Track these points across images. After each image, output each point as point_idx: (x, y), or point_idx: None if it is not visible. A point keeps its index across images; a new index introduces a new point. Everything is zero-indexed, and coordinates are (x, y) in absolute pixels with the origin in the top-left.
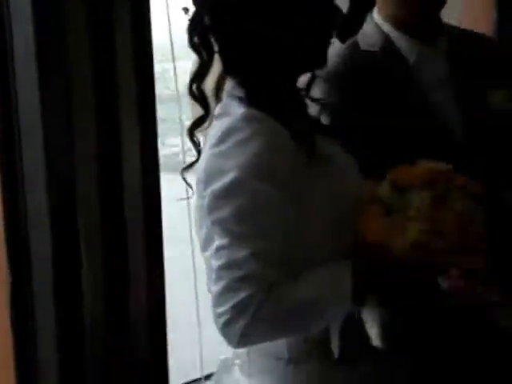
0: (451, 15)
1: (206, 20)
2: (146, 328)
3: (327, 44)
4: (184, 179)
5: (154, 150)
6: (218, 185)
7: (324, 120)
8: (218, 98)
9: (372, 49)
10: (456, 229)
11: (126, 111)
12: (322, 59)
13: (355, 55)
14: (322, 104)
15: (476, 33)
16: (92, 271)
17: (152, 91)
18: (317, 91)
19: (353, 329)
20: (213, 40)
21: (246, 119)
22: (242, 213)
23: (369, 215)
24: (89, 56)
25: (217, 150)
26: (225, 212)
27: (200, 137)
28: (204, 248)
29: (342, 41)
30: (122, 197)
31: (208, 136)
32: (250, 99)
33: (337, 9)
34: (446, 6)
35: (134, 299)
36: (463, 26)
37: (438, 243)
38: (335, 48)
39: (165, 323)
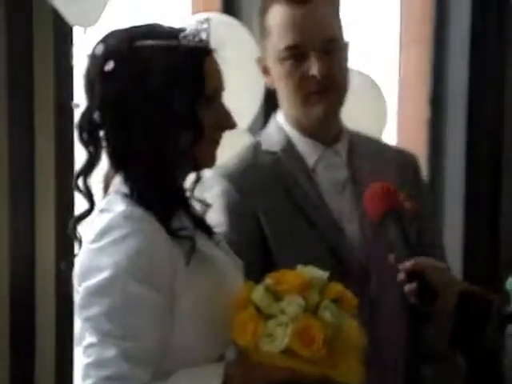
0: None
1: (95, 116)
2: None
3: (200, 145)
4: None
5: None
6: (91, 281)
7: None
8: (106, 192)
9: (273, 149)
10: (323, 340)
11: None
12: (208, 160)
13: (257, 155)
14: (206, 205)
15: (375, 139)
16: None
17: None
18: (217, 189)
19: None
20: (101, 136)
21: (126, 217)
22: (113, 312)
23: (241, 318)
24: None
25: (94, 246)
26: (96, 310)
27: None
28: (77, 343)
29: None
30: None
31: (89, 231)
32: (133, 196)
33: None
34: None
35: None
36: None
37: (306, 352)
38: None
39: None
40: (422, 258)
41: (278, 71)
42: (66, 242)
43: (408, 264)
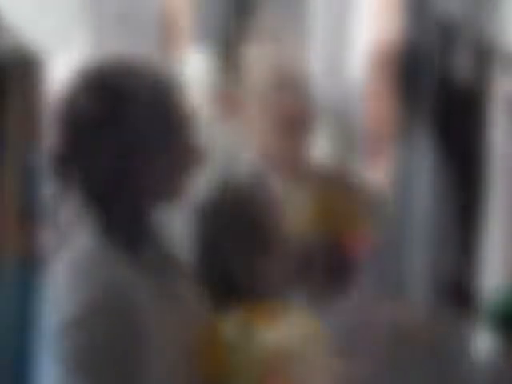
0: None
1: (66, 151)
2: None
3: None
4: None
5: None
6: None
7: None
8: (73, 227)
9: None
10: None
11: None
12: (175, 193)
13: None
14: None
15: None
16: None
17: None
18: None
19: None
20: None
21: (91, 255)
22: (79, 351)
23: (210, 353)
24: None
25: (59, 285)
26: (62, 349)
27: None
28: None
29: None
30: None
31: (55, 269)
32: (102, 230)
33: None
34: None
35: None
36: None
37: None
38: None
39: None
40: None
41: (257, 105)
42: None
43: None
